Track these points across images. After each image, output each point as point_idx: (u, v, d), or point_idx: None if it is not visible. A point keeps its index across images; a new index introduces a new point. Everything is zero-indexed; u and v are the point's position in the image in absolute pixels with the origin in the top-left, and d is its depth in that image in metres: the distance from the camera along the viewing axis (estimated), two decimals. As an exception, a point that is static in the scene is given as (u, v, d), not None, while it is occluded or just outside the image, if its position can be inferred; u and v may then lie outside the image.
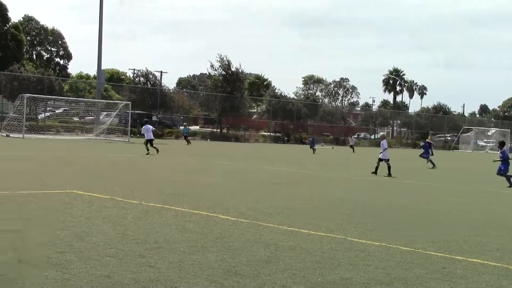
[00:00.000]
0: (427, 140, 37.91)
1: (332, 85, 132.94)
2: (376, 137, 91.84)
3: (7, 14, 78.41)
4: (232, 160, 30.58)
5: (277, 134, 76.61)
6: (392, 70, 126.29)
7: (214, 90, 70.88)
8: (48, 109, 61.52)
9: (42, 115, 58.45)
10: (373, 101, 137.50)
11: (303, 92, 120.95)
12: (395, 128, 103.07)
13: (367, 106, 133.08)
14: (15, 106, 49.76)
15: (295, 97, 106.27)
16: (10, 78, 59.62)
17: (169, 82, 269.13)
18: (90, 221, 10.09)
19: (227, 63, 70.36)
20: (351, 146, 56.28)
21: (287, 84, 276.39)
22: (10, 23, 78.98)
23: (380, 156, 25.60)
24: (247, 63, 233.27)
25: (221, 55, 70.89)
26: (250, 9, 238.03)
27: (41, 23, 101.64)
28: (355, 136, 60.67)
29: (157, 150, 31.38)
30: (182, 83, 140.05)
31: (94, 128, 54.64)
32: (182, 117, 79.49)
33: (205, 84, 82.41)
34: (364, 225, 11.44)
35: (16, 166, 20.19)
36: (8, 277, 6.41)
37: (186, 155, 25.56)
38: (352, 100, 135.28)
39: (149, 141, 32.40)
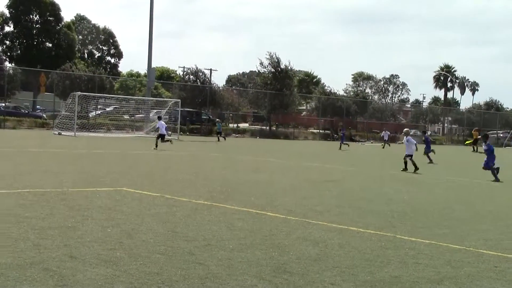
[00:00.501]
0: (426, 135, 38.53)
1: (382, 82, 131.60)
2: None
3: (59, 14, 79.87)
4: (281, 158, 30.52)
5: (327, 131, 76.19)
6: (443, 66, 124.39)
7: (264, 88, 70.88)
8: (99, 107, 62.45)
9: (93, 113, 59.34)
10: (424, 98, 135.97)
11: (353, 89, 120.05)
12: (445, 125, 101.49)
13: (417, 103, 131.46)
14: (67, 104, 50.60)
15: (345, 94, 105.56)
16: (62, 77, 60.68)
17: (219, 80, 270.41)
18: (140, 218, 10.17)
19: (276, 60, 70.27)
20: (385, 142, 54.87)
21: (337, 81, 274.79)
22: (62, 23, 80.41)
23: (407, 152, 25.39)
24: (297, 61, 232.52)
25: (270, 53, 70.84)
26: (300, 6, 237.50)
27: (93, 22, 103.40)
28: (389, 133, 58.70)
29: (171, 142, 34.89)
30: (231, 80, 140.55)
31: (144, 125, 55.18)
32: (231, 115, 79.78)
33: (254, 81, 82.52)
34: (414, 223, 11.28)
35: (68, 164, 20.52)
36: (61, 273, 6.49)
37: (236, 153, 25.64)
38: (402, 97, 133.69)
39: (161, 136, 34.22)
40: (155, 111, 57.49)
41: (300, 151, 39.86)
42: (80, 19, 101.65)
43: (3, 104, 57.27)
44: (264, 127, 73.70)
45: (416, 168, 24.51)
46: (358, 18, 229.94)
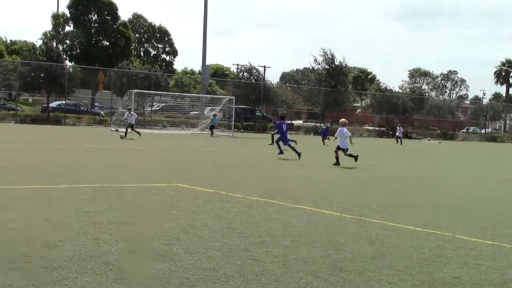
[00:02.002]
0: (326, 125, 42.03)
1: (440, 78, 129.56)
2: (486, 131, 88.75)
3: (117, 13, 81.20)
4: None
5: (382, 128, 75.48)
6: (504, 61, 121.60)
7: (318, 84, 70.64)
8: (154, 104, 63.21)
9: (149, 110, 60.10)
10: (484, 94, 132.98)
11: (409, 86, 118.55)
12: (507, 122, 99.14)
13: (477, 99, 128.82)
14: (123, 101, 51.39)
15: (400, 90, 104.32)
16: (119, 75, 61.65)
17: (273, 77, 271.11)
18: (196, 214, 10.27)
19: (330, 57, 69.97)
20: (398, 138, 52.70)
21: (392, 78, 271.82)
22: (119, 22, 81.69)
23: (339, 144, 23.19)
24: (351, 57, 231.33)
25: (324, 49, 70.63)
26: (354, 1, 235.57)
27: (149, 20, 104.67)
28: (402, 130, 56.07)
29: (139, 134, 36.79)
30: (285, 77, 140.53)
31: (199, 122, 55.63)
32: (285, 112, 79.64)
33: (308, 78, 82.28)
34: (474, 222, 11.07)
35: (125, 160, 20.84)
36: (120, 267, 6.61)
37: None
38: (460, 93, 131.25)
39: (131, 126, 37.66)
40: (209, 108, 57.93)
41: (355, 148, 39.55)
42: (137, 18, 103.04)
43: (64, 102, 58.51)
44: (318, 124, 73.47)
45: (337, 163, 22.51)
46: (414, 13, 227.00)
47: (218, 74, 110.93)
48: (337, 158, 22.62)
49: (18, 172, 14.81)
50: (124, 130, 37.02)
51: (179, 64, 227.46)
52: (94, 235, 8.10)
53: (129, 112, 39.16)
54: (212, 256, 7.35)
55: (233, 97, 55.53)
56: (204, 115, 56.90)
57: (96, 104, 72.55)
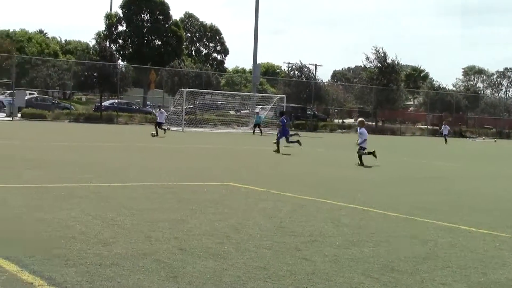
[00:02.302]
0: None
1: (495, 76, 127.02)
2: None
3: (168, 13, 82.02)
4: (387, 154, 30.06)
5: (435, 127, 74.40)
6: None
7: (369, 83, 70.06)
8: (206, 103, 63.62)
9: (200, 109, 60.50)
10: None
11: (463, 84, 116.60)
12: None
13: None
14: (175, 100, 51.85)
15: (454, 88, 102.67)
16: (171, 74, 62.22)
17: (324, 75, 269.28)
18: (247, 213, 10.28)
19: (383, 55, 69.30)
20: (445, 136, 50.25)
21: (446, 76, 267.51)
22: (171, 21, 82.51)
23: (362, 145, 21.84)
24: (404, 55, 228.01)
25: (376, 47, 69.97)
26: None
27: (200, 19, 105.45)
28: (449, 128, 53.60)
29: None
30: (336, 76, 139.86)
31: (250, 121, 55.76)
32: (336, 110, 79.30)
33: (360, 76, 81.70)
34: (530, 223, 10.81)
35: (176, 159, 21.03)
36: (171, 264, 6.65)
37: (341, 149, 25.45)
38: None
39: (159, 124, 36.95)
40: (260, 106, 58.00)
41: (407, 147, 39.14)
42: (189, 17, 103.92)
43: (116, 101, 59.39)
44: (370, 123, 72.87)
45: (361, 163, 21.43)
46: (468, 9, 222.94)
47: (269, 72, 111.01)
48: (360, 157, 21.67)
49: (74, 170, 15.07)
50: (165, 128, 37.22)
51: (230, 63, 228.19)
52: (146, 233, 8.19)
53: (160, 110, 38.89)
54: (263, 255, 7.34)
55: (284, 95, 55.47)
56: (255, 113, 57.03)
57: (148, 103, 73.41)
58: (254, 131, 46.90)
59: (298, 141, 28.13)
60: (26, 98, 56.95)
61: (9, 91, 56.12)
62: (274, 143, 27.00)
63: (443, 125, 52.78)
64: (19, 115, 50.34)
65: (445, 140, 48.96)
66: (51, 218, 8.76)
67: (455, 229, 9.75)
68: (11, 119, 47.20)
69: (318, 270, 6.78)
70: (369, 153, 21.94)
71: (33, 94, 64.29)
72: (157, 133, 35.21)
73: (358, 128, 22.71)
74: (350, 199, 12.54)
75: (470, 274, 7.00)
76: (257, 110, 51.42)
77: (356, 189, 14.55)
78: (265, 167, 19.62)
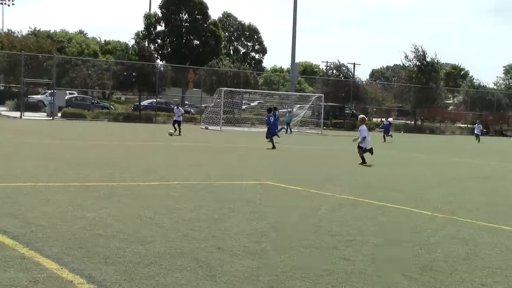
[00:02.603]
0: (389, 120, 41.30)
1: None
2: None
3: (207, 12, 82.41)
4: (427, 153, 29.78)
5: (475, 125, 73.41)
6: None
7: (408, 81, 69.40)
8: (243, 102, 63.73)
9: (239, 108, 60.63)
10: None
11: (504, 82, 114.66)
12: None
13: None
14: (213, 99, 52.05)
15: (495, 87, 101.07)
16: (209, 73, 62.49)
17: (362, 74, 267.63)
18: (284, 212, 10.27)
19: (422, 53, 68.57)
20: (477, 135, 49.15)
21: (486, 74, 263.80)
22: (209, 21, 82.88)
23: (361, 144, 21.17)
24: (443, 53, 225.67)
25: (416, 45, 69.27)
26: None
27: (239, 19, 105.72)
28: (481, 127, 51.81)
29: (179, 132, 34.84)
30: (375, 74, 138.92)
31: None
32: (375, 109, 78.75)
33: (399, 75, 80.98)
34: None
35: (214, 158, 21.10)
36: (209, 263, 6.67)
37: (379, 148, 25.29)
38: None
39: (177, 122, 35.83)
40: (299, 106, 57.90)
41: (447, 146, 38.70)
42: (227, 17, 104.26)
43: (155, 100, 59.85)
44: (409, 122, 72.20)
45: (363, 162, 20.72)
46: (509, 6, 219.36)
47: (307, 71, 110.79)
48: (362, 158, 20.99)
49: (113, 169, 15.23)
50: (204, 126, 37.08)
51: (268, 62, 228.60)
52: (184, 231, 8.23)
53: (177, 108, 37.32)
54: (300, 254, 7.33)
55: (322, 94, 55.28)
56: (293, 112, 56.96)
57: (186, 102, 73.81)
58: (286, 130, 46.62)
59: (273, 143, 27.00)
60: (66, 98, 57.75)
61: (49, 91, 56.96)
62: (268, 141, 26.94)
63: (476, 124, 51.80)
64: (59, 114, 51.05)
65: (478, 139, 48.04)
66: (90, 217, 8.87)
67: (496, 230, 9.60)
68: (51, 118, 47.89)
69: (356, 270, 6.74)
70: (367, 150, 21.00)
71: (73, 94, 65.14)
72: (179, 132, 34.95)
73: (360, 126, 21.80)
74: (389, 198, 12.44)
75: (510, 275, 6.89)
76: (289, 109, 51.25)
77: (396, 188, 14.43)
78: (303, 166, 19.57)
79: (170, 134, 33.33)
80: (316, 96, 55.62)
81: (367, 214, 10.42)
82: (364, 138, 20.99)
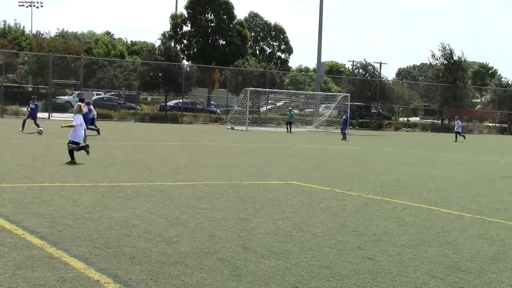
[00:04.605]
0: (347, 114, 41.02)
1: None
2: None
3: (233, 12, 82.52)
4: (455, 152, 29.51)
5: (503, 125, 72.55)
6: None
7: (435, 80, 68.81)
8: (269, 102, 63.69)
9: (264, 108, 60.61)
10: None
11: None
12: None
13: None
14: (239, 99, 52.06)
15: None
16: (235, 73, 62.57)
17: (388, 73, 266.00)
18: (310, 212, 10.26)
19: (449, 52, 67.96)
20: (457, 134, 45.25)
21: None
22: (235, 21, 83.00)
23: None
24: (471, 52, 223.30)
25: (443, 44, 68.70)
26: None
27: (265, 19, 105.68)
28: (460, 124, 47.16)
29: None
30: (401, 73, 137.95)
31: (314, 120, 55.56)
32: (401, 108, 78.22)
33: (425, 74, 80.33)
34: None
35: (240, 158, 21.11)
36: (235, 263, 6.69)
37: (407, 147, 25.17)
38: None
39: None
40: (324, 105, 57.73)
41: (475, 146, 38.32)
42: (253, 16, 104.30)
43: (181, 100, 60.07)
44: (436, 121, 71.57)
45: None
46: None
47: (333, 71, 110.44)
48: None
49: (139, 169, 15.31)
50: (230, 127, 36.69)
51: (294, 62, 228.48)
52: (210, 231, 8.25)
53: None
54: (326, 254, 7.31)
55: (348, 94, 55.01)
56: (319, 112, 56.78)
57: (212, 102, 73.96)
58: (288, 129, 46.08)
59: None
60: (93, 99, 58.18)
61: (77, 92, 57.44)
62: None
63: (455, 121, 47.76)
64: (87, 115, 51.45)
65: (456, 137, 44.50)
66: (117, 217, 8.93)
67: (524, 230, 9.49)
68: (79, 119, 48.31)
69: (382, 270, 6.71)
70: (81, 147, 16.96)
71: (100, 94, 65.62)
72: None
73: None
74: (415, 198, 12.36)
75: (540, 276, 6.80)
76: (290, 107, 50.88)
77: (422, 187, 14.33)
78: (329, 166, 19.51)
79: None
80: (342, 96, 55.39)
81: (393, 214, 10.36)
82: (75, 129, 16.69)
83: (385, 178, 16.21)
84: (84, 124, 17.23)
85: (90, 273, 6.06)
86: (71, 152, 16.10)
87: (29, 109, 29.87)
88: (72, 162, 15.92)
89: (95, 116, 30.24)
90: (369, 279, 6.35)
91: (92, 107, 30.22)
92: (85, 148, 16.81)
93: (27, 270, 6.03)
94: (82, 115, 17.01)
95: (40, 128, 26.22)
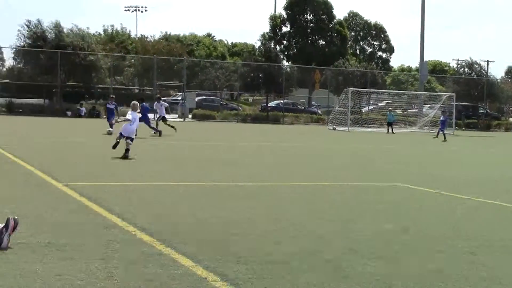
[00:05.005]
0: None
1: None
2: None
3: (332, 12, 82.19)
4: None
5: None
6: None
7: (548, 78, 66.05)
8: (371, 102, 63.00)
9: (366, 108, 59.99)
10: None
11: None
12: None
13: None
14: (340, 100, 51.79)
15: None
16: (336, 73, 62.28)
17: (496, 72, 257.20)
18: (418, 214, 10.04)
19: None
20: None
21: None
22: (334, 20, 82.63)
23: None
24: None
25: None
26: None
27: (365, 18, 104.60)
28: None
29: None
30: (511, 72, 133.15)
31: (417, 120, 54.53)
32: (511, 108, 75.47)
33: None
34: None
35: (345, 159, 20.95)
36: (341, 265, 6.61)
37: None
38: None
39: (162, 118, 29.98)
40: (428, 105, 56.52)
41: None
42: (353, 16, 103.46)
43: (282, 101, 60.34)
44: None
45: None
46: None
47: (437, 70, 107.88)
48: None
49: (246, 169, 15.44)
50: (332, 127, 36.23)
51: (395, 61, 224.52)
52: (316, 232, 8.20)
53: (159, 102, 31.03)
54: (435, 258, 7.11)
55: (453, 93, 53.62)
56: (422, 112, 55.63)
57: (313, 103, 73.93)
58: (388, 129, 45.11)
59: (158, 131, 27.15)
60: (196, 100, 59.32)
61: (180, 93, 58.75)
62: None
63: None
64: (190, 116, 52.53)
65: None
66: (224, 216, 9.02)
67: None
68: (182, 120, 49.37)
69: (495, 277, 6.45)
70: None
71: (202, 95, 66.90)
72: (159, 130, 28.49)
73: None
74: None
75: None
76: (390, 108, 49.73)
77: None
78: (435, 167, 19.04)
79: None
80: (447, 96, 54.02)
81: (507, 218, 9.98)
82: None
83: (497, 180, 15.63)
84: (138, 121, 18.15)
85: (198, 270, 6.15)
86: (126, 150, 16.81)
87: (114, 108, 28.98)
88: (125, 156, 16.58)
89: (162, 115, 29.64)
90: (481, 286, 6.12)
91: (162, 106, 30.03)
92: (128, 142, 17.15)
93: (139, 266, 6.18)
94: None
95: (110, 129, 25.80)
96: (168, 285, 5.65)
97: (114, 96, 30.85)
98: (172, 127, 29.14)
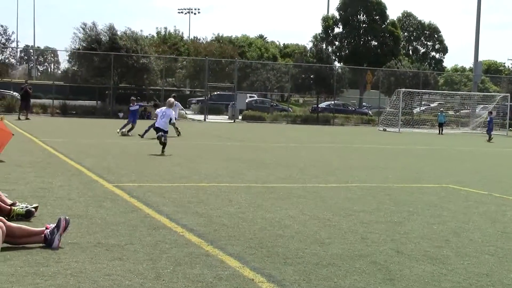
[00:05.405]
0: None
1: None
2: None
3: (385, 12, 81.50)
4: None
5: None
6: None
7: None
8: (423, 103, 62.17)
9: (417, 109, 59.23)
10: None
11: None
12: None
13: None
14: (391, 100, 51.28)
15: None
16: (387, 74, 61.71)
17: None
18: (467, 216, 9.90)
19: None
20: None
21: None
22: (388, 21, 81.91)
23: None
24: None
25: None
26: None
27: (419, 18, 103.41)
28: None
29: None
30: None
31: (470, 121, 53.62)
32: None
33: None
34: None
35: (393, 160, 20.77)
36: (388, 267, 6.59)
37: None
38: None
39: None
40: (481, 106, 55.54)
41: None
42: (406, 16, 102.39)
43: (332, 102, 60.10)
44: None
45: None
46: None
47: (491, 70, 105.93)
48: None
49: (292, 170, 15.45)
50: (382, 128, 35.76)
51: (449, 61, 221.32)
52: (362, 234, 8.18)
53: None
54: (485, 261, 7.03)
55: (508, 94, 52.55)
56: (475, 113, 54.68)
57: (364, 103, 73.39)
58: (440, 130, 44.27)
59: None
60: (246, 101, 59.51)
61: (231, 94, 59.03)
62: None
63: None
64: (240, 117, 52.74)
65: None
66: (270, 217, 9.07)
67: None
68: (233, 121, 49.58)
69: (547, 281, 6.33)
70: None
71: (253, 97, 66.99)
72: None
73: None
74: None
75: None
76: (441, 109, 48.78)
77: None
78: (485, 168, 18.73)
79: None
80: (501, 96, 52.98)
81: (559, 221, 9.76)
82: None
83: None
84: (168, 115, 18.82)
85: (245, 271, 6.20)
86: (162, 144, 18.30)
87: (136, 110, 28.45)
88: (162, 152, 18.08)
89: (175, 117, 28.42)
90: (532, 290, 6.03)
91: (176, 108, 28.81)
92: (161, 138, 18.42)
93: (186, 267, 6.27)
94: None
95: (123, 130, 25.70)
96: (215, 286, 5.72)
97: (134, 98, 30.05)
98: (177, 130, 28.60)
